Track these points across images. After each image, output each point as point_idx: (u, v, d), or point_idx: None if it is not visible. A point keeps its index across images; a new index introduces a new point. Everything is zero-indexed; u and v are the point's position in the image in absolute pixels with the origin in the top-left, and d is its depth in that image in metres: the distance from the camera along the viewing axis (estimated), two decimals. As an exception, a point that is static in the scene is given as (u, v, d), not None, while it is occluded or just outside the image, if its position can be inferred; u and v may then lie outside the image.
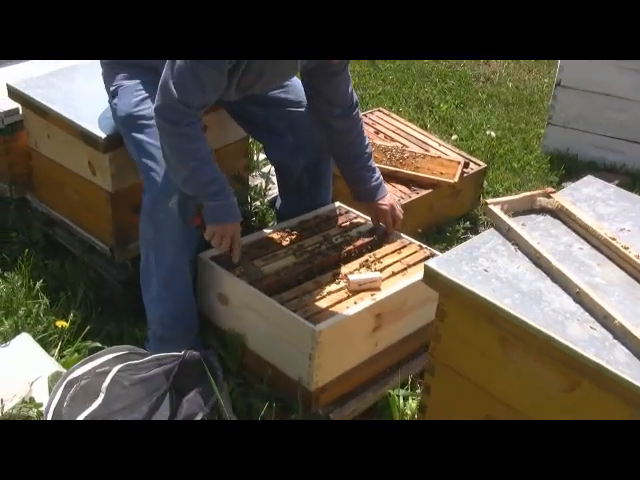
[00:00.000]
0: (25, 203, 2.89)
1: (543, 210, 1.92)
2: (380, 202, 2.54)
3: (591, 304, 1.59)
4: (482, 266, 1.69)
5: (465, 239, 3.20)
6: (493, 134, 4.03)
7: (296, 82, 2.54)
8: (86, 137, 2.41)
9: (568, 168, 3.79)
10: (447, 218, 3.25)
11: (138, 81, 2.29)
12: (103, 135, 2.37)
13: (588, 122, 3.84)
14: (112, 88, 2.33)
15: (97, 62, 2.77)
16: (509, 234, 1.79)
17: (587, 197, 2.02)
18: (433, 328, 1.82)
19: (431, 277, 1.70)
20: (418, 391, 2.32)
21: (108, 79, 2.36)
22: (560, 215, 1.91)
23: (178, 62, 2.00)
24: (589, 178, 2.14)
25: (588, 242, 1.83)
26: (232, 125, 2.70)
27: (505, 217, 1.81)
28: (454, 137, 3.98)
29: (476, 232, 3.27)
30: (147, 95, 2.26)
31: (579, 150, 3.89)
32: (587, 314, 1.58)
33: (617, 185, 3.55)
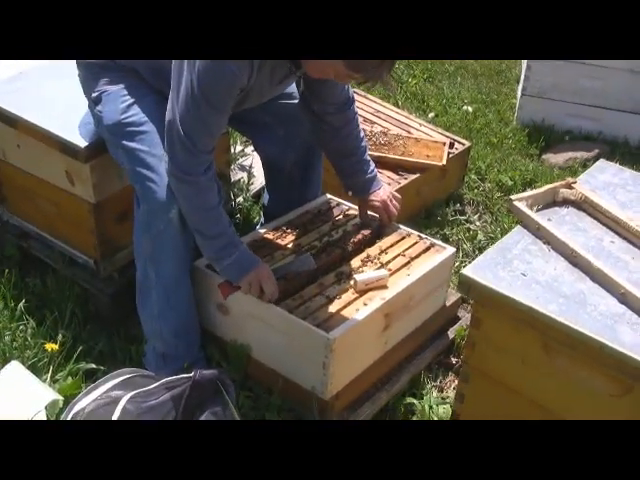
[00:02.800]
0: (-6, 216, 2.70)
1: (565, 202, 1.85)
2: (372, 197, 2.43)
3: (639, 304, 1.52)
4: (519, 270, 1.61)
5: (455, 221, 3.13)
6: (470, 109, 3.94)
7: None
8: (64, 147, 2.23)
9: (546, 139, 3.74)
10: (434, 201, 3.17)
11: (122, 85, 2.12)
12: (83, 144, 2.20)
13: (563, 91, 3.79)
14: (94, 94, 2.15)
15: (63, 61, 2.59)
16: (539, 232, 1.71)
17: (605, 184, 1.95)
18: (467, 336, 1.74)
19: (467, 286, 1.61)
20: (434, 392, 2.26)
21: (89, 84, 2.18)
22: (584, 206, 1.84)
23: (183, 108, 1.89)
24: (601, 163, 2.08)
25: (618, 234, 1.76)
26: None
27: (533, 214, 1.73)
28: (431, 115, 3.88)
29: (464, 214, 3.21)
30: (133, 100, 2.10)
31: (555, 120, 3.84)
32: (636, 316, 1.52)
33: (598, 154, 3.60)
